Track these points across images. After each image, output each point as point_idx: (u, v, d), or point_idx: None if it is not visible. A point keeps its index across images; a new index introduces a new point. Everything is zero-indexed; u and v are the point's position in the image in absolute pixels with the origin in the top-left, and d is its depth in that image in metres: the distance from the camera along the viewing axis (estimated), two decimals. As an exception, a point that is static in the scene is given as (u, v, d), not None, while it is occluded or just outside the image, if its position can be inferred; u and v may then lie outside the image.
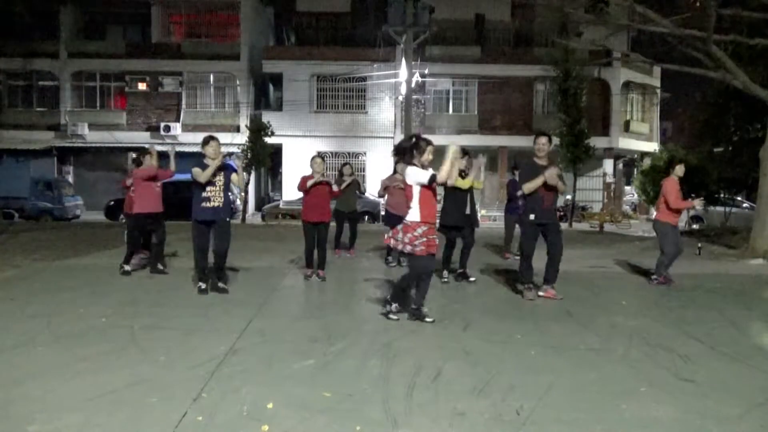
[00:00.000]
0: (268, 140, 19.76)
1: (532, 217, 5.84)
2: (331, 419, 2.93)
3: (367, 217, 19.55)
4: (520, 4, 22.92)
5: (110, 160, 23.84)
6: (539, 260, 6.01)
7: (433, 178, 4.72)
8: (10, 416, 2.92)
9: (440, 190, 5.42)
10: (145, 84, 23.96)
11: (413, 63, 18.61)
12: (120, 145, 23.30)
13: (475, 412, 3.04)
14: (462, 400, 3.19)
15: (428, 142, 4.90)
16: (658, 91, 26.56)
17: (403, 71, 18.75)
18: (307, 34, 25.88)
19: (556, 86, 19.99)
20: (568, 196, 20.70)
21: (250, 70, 23.85)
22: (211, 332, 4.55)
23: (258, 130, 19.47)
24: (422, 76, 21.63)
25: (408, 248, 4.78)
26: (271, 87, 26.69)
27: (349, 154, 23.37)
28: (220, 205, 6.00)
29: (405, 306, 5.08)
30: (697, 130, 15.72)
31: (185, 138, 22.69)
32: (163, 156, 7.89)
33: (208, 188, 5.93)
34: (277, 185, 26.36)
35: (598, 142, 21.03)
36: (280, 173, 24.45)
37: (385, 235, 5.09)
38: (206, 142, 6.06)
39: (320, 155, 7.34)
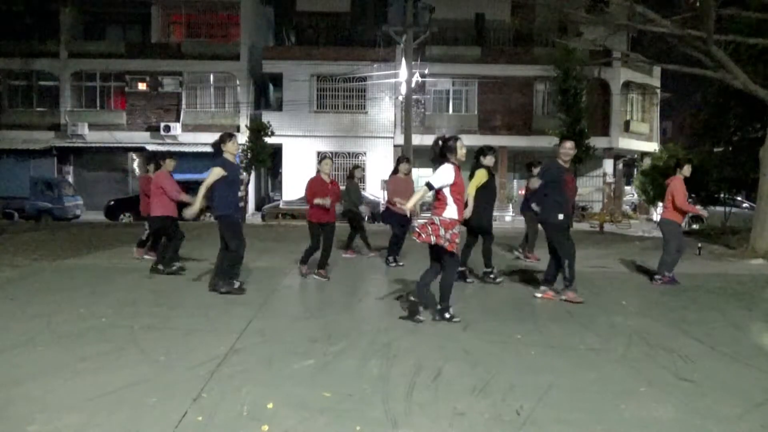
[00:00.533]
0: (268, 140, 19.77)
1: (560, 217, 5.85)
2: (331, 419, 2.93)
3: (366, 217, 19.55)
4: (520, 4, 22.92)
5: (110, 160, 23.88)
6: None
7: (431, 188, 4.80)
8: (10, 416, 2.92)
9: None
10: (145, 84, 23.96)
11: (413, 63, 18.61)
12: (120, 145, 23.34)
13: (475, 412, 3.04)
14: (462, 400, 3.19)
15: (457, 139, 4.96)
16: (658, 91, 26.57)
17: (403, 71, 18.75)
18: (307, 34, 25.90)
19: (556, 86, 19.99)
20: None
21: (250, 70, 23.85)
22: (211, 332, 4.55)
23: (258, 130, 19.48)
24: (422, 76, 21.63)
25: (447, 244, 4.77)
26: (271, 87, 26.71)
27: (349, 154, 23.39)
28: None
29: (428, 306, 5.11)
30: (697, 130, 15.70)
31: (185, 138, 22.75)
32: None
33: (242, 187, 5.98)
34: (277, 185, 26.37)
35: (598, 142, 21.04)
36: (280, 173, 24.46)
37: (422, 235, 4.87)
38: (229, 138, 6.06)
39: (329, 156, 7.38)
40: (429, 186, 4.80)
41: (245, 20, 23.89)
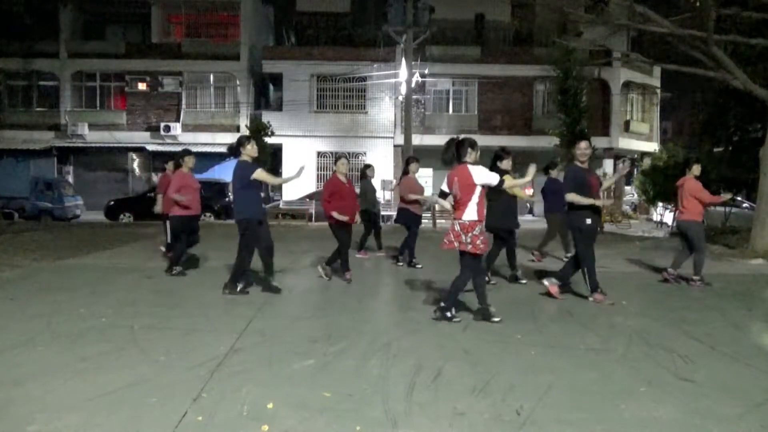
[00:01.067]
0: (268, 140, 19.76)
1: (588, 221, 5.82)
2: (331, 419, 2.93)
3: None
4: (520, 4, 22.91)
5: (110, 160, 23.86)
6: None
7: (501, 182, 4.87)
8: (10, 416, 2.92)
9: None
10: (145, 84, 23.95)
11: (413, 63, 18.62)
12: (120, 145, 23.33)
13: (475, 412, 3.04)
14: (462, 400, 3.19)
15: (473, 143, 4.99)
16: (658, 91, 26.56)
17: (403, 71, 18.77)
18: (307, 34, 25.89)
19: (556, 86, 19.97)
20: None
21: (250, 70, 23.85)
22: (211, 332, 4.55)
23: (258, 130, 19.47)
24: (422, 76, 21.63)
25: (470, 247, 4.80)
26: (271, 87, 26.70)
27: (349, 154, 23.36)
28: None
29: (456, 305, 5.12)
30: (697, 130, 15.72)
31: (185, 138, 22.72)
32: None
33: (262, 186, 6.00)
34: (277, 185, 26.36)
35: (598, 142, 20.91)
36: (280, 173, 24.44)
37: (445, 241, 4.94)
38: (248, 141, 6.07)
39: (345, 156, 7.35)
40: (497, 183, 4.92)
41: (245, 20, 23.88)
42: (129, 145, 23.49)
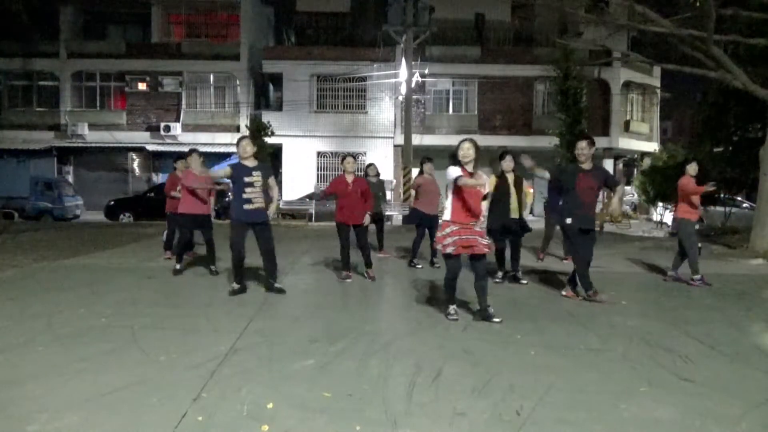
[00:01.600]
0: (268, 140, 19.76)
1: (569, 220, 5.81)
2: (331, 419, 2.93)
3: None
4: (520, 4, 22.91)
5: (110, 160, 23.86)
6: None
7: (456, 179, 4.73)
8: (10, 416, 2.92)
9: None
10: (145, 84, 23.95)
11: (413, 63, 18.62)
12: (120, 145, 23.32)
13: (475, 412, 3.04)
14: (462, 400, 3.19)
15: (463, 141, 4.98)
16: (658, 91, 26.56)
17: (403, 71, 18.77)
18: (307, 34, 25.88)
19: (556, 86, 19.98)
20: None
21: (250, 70, 23.85)
22: (211, 332, 4.55)
23: (258, 130, 19.47)
24: (422, 76, 21.63)
25: (438, 246, 4.86)
26: (271, 87, 26.69)
27: (349, 154, 23.37)
28: (262, 206, 6.06)
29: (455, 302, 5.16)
30: (697, 130, 15.72)
31: (185, 138, 22.73)
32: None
33: (248, 189, 5.93)
34: (277, 185, 26.37)
35: (598, 142, 20.90)
36: (280, 173, 24.44)
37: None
38: (239, 142, 6.12)
39: (351, 154, 7.37)
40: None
41: (245, 20, 23.88)
42: (129, 145, 23.49)
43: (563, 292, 6.14)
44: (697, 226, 7.34)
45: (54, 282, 6.69)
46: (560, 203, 6.33)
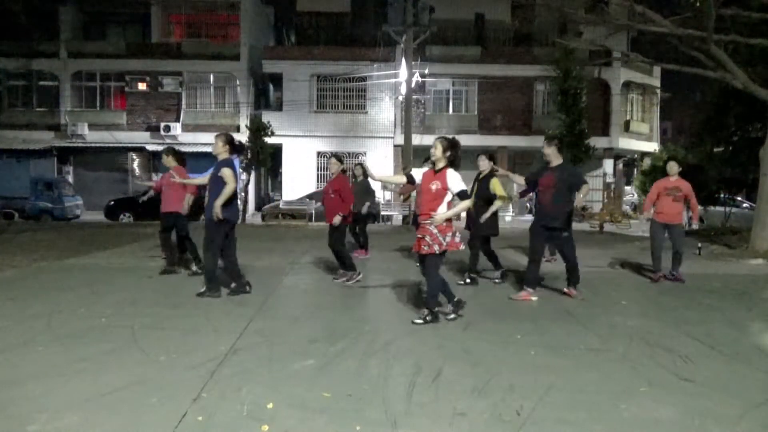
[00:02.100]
0: (268, 140, 19.77)
1: (533, 218, 5.94)
2: (331, 419, 2.93)
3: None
4: (520, 4, 22.88)
5: (110, 160, 23.86)
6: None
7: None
8: (10, 416, 2.92)
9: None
10: (145, 84, 23.96)
11: (413, 63, 18.61)
12: (120, 145, 23.33)
13: (475, 412, 3.04)
14: (462, 400, 3.19)
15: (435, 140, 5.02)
16: (658, 91, 26.57)
17: (403, 71, 18.76)
18: (307, 34, 25.88)
19: (556, 86, 19.99)
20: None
21: (250, 70, 23.85)
22: (211, 332, 4.54)
23: (258, 130, 19.48)
24: (422, 76, 21.62)
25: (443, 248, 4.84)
26: (271, 87, 26.70)
27: (349, 154, 23.38)
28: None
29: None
30: (697, 130, 15.72)
31: (185, 138, 22.73)
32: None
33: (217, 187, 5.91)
34: (277, 185, 26.37)
35: (598, 142, 21.03)
36: (280, 173, 24.46)
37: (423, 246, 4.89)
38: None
39: (335, 155, 7.43)
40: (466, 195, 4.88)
41: (245, 20, 23.88)
42: (129, 145, 23.49)
43: (565, 290, 6.17)
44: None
45: (54, 282, 6.69)
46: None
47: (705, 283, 7.08)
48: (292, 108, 23.40)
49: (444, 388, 3.37)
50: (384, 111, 23.81)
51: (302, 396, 3.23)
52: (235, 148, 6.12)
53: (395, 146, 23.35)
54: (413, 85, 19.35)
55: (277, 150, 22.23)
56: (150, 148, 23.19)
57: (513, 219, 20.97)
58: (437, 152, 4.86)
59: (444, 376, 3.57)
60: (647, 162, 22.80)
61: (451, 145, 4.89)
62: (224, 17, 24.52)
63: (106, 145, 23.27)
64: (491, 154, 7.02)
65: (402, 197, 8.00)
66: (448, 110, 24.50)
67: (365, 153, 23.71)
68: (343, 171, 7.31)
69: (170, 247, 7.41)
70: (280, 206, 20.25)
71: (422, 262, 5.03)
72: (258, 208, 23.37)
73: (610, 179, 24.36)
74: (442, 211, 4.76)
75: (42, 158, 23.16)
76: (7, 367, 3.65)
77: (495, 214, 6.77)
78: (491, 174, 6.80)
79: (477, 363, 3.84)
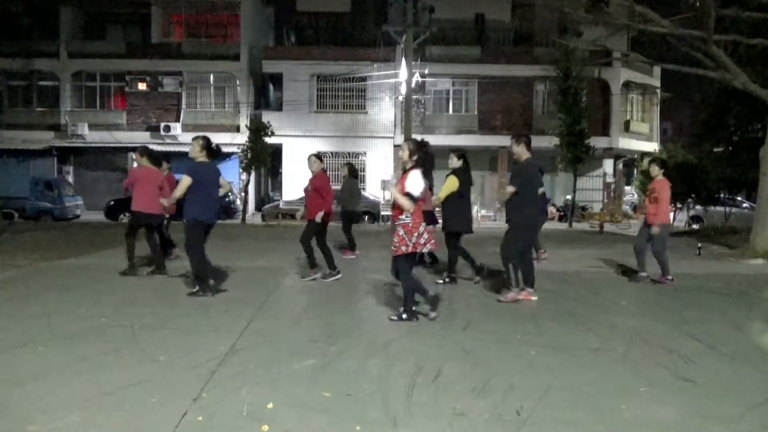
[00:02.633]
0: (268, 140, 19.77)
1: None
2: (331, 419, 2.93)
3: (367, 217, 19.56)
4: (520, 4, 22.91)
5: (110, 160, 23.86)
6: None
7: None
8: (10, 416, 2.92)
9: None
10: (145, 84, 23.95)
11: (413, 63, 18.60)
12: (120, 145, 23.31)
13: (475, 412, 3.04)
14: (462, 400, 3.19)
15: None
16: (658, 91, 26.55)
17: (403, 71, 18.74)
18: (307, 34, 25.88)
19: (556, 86, 19.98)
20: (568, 196, 20.70)
21: (250, 70, 23.85)
22: (211, 332, 4.54)
23: (258, 130, 19.48)
24: (422, 76, 21.61)
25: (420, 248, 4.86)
26: (271, 87, 26.69)
27: (349, 154, 23.39)
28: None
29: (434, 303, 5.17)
30: (697, 130, 15.72)
31: (185, 138, 22.68)
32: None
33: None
34: (277, 185, 26.37)
35: (598, 142, 21.02)
36: (280, 173, 24.45)
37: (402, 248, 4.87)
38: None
39: (317, 154, 7.44)
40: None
41: (245, 20, 23.87)
42: (129, 145, 23.42)
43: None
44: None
45: (54, 282, 6.69)
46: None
47: (705, 283, 7.08)
48: (292, 108, 23.39)
49: (444, 388, 3.37)
50: (384, 111, 23.81)
51: (302, 396, 3.23)
52: (212, 152, 6.04)
53: (395, 146, 23.34)
54: (413, 85, 19.34)
55: (277, 150, 22.23)
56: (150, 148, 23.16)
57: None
58: (404, 155, 4.90)
59: (444, 376, 3.57)
60: (647, 162, 22.75)
61: (418, 147, 4.89)
62: (224, 17, 24.52)
63: (106, 145, 23.27)
64: (462, 153, 6.86)
65: None
66: (448, 110, 24.49)
67: (365, 153, 23.71)
68: (323, 170, 7.37)
69: (155, 245, 7.52)
70: (280, 206, 20.25)
71: (393, 263, 5.03)
72: (258, 208, 23.37)
73: (610, 179, 24.36)
74: (407, 212, 4.80)
75: (42, 158, 23.16)
76: (7, 367, 3.65)
77: (464, 210, 6.71)
78: (453, 172, 6.74)
79: (477, 363, 3.84)
